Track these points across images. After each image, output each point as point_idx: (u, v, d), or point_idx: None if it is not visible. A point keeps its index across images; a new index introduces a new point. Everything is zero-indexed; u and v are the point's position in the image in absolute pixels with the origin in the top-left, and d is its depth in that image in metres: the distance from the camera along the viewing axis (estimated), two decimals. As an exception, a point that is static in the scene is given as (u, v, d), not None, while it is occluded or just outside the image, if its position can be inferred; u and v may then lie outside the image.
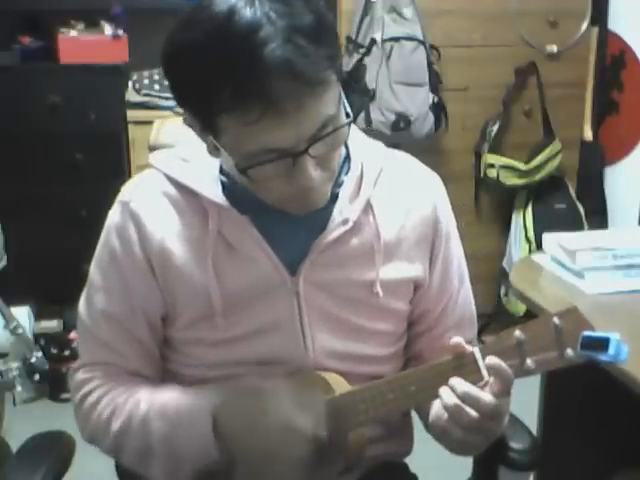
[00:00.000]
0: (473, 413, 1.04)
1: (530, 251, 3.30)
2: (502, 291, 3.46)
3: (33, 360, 2.88)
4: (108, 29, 3.05)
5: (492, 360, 1.04)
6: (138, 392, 1.22)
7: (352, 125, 1.12)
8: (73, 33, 3.05)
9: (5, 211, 2.81)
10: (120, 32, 3.05)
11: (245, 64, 0.98)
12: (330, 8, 3.29)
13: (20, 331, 2.86)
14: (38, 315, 3.16)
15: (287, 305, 1.20)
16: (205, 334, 1.21)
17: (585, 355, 0.98)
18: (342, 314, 1.22)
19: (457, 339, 1.07)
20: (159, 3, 3.08)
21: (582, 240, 1.95)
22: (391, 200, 1.24)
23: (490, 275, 3.47)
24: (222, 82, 0.99)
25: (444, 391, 1.06)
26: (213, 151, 1.12)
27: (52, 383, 3.02)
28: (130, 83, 3.17)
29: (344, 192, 1.21)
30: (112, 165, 2.99)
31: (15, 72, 3.04)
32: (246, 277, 1.19)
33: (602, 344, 0.97)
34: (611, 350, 0.96)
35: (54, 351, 3.04)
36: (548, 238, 2.00)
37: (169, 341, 1.26)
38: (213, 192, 1.19)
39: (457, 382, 1.05)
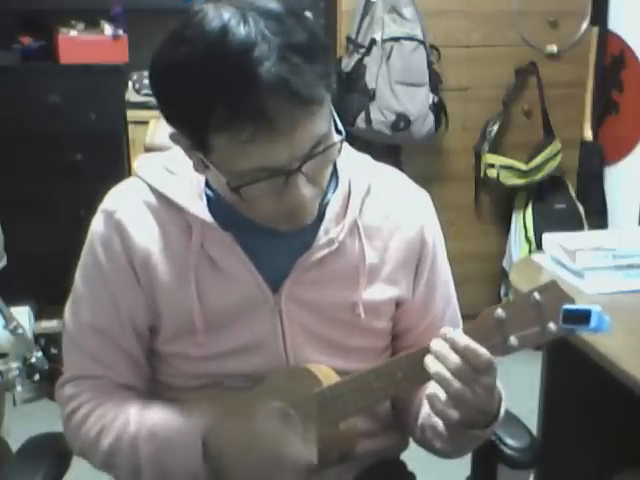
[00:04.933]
0: (449, 368, 1.03)
1: (530, 251, 3.30)
2: (502, 291, 3.46)
3: (33, 360, 2.88)
4: (108, 29, 3.05)
5: (442, 331, 1.04)
6: (127, 409, 1.20)
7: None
8: (73, 33, 3.05)
9: (5, 211, 2.81)
10: (120, 32, 3.05)
11: (240, 83, 0.97)
12: (330, 9, 3.30)
13: (20, 331, 2.86)
14: (38, 315, 3.16)
15: (269, 322, 1.19)
16: (188, 350, 1.20)
17: (567, 329, 0.98)
18: (324, 332, 1.22)
19: (445, 330, 1.06)
20: (159, 3, 3.08)
21: (582, 240, 1.95)
22: (377, 221, 1.23)
23: (490, 275, 3.47)
24: (216, 101, 0.98)
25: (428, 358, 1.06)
26: (201, 169, 1.11)
27: (52, 383, 3.01)
28: (130, 83, 3.17)
29: (330, 211, 1.20)
30: (112, 165, 2.99)
31: (15, 72, 3.04)
32: (229, 295, 1.18)
33: (584, 317, 0.97)
34: (593, 323, 0.96)
35: (54, 351, 3.04)
36: (548, 238, 2.01)
37: (155, 353, 1.25)
38: (198, 207, 1.18)
39: (433, 342, 1.05)
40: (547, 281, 1.01)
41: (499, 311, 1.02)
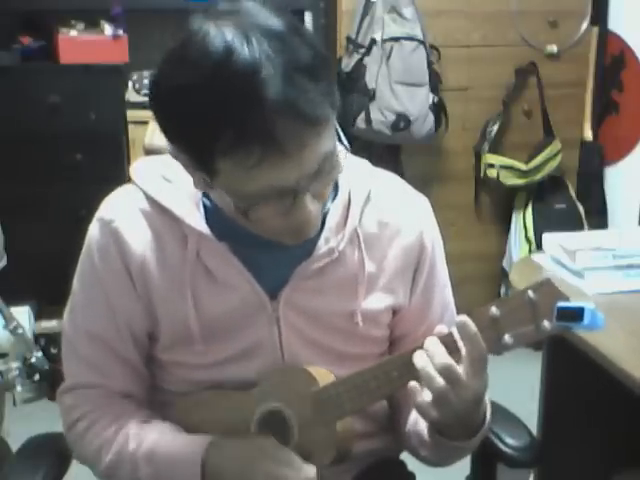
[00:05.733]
0: (433, 365, 1.04)
1: (530, 251, 3.30)
2: (502, 291, 3.46)
3: (33, 360, 2.88)
4: (108, 29, 3.05)
5: (460, 318, 1.04)
6: (127, 424, 1.20)
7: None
8: (73, 33, 3.05)
9: (5, 211, 2.81)
10: (120, 32, 3.05)
11: (246, 106, 0.95)
12: (330, 9, 3.29)
13: (20, 331, 2.86)
14: (38, 315, 3.16)
15: (267, 329, 1.19)
16: (186, 358, 1.20)
17: (561, 326, 0.99)
18: (321, 339, 1.22)
19: (439, 327, 1.07)
20: (159, 3, 3.08)
21: (582, 240, 1.95)
22: (377, 228, 1.23)
23: (490, 275, 3.47)
24: (222, 125, 0.96)
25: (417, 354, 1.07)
26: (202, 187, 1.09)
27: (52, 383, 3.02)
28: (130, 83, 3.17)
29: (331, 220, 1.19)
30: (112, 165, 2.98)
31: (15, 72, 3.04)
32: (226, 305, 1.17)
33: (577, 314, 0.97)
34: (586, 320, 0.97)
35: (54, 351, 3.04)
36: (548, 238, 2.01)
37: (154, 360, 1.25)
38: (194, 218, 1.16)
39: (426, 340, 1.06)
40: (541, 279, 1.01)
41: (493, 309, 1.02)
